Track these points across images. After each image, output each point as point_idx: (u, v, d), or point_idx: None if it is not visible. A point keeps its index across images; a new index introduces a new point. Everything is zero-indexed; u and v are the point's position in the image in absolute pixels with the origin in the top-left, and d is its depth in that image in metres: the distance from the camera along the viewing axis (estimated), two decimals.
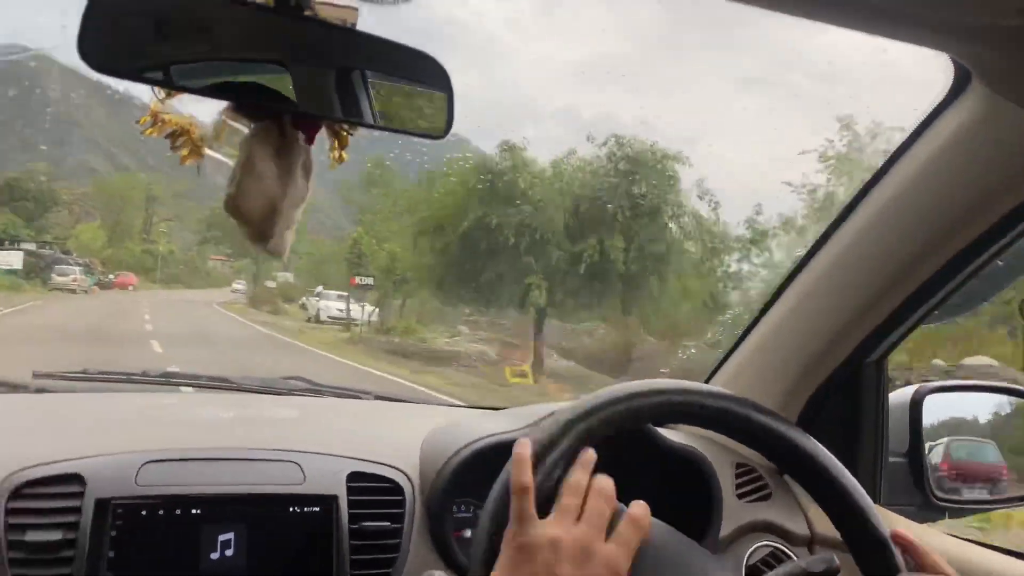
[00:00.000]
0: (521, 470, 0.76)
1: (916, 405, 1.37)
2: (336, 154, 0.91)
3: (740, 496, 1.31)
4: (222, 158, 0.89)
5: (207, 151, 0.87)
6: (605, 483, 0.77)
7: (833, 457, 0.88)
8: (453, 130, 0.88)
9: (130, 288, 30.63)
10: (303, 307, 25.09)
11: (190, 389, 1.53)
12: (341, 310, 21.36)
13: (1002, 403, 1.48)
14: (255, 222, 0.82)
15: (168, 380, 1.52)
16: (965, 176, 1.04)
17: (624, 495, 1.33)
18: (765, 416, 0.87)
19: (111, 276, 31.37)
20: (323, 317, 21.83)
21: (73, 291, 24.49)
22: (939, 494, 1.36)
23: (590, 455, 0.80)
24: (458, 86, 0.87)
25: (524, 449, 0.77)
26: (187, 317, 20.45)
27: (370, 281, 19.49)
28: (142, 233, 42.28)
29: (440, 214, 15.19)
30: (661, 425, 1.31)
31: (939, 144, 1.04)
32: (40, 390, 1.41)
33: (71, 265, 27.18)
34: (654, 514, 1.33)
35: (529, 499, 0.74)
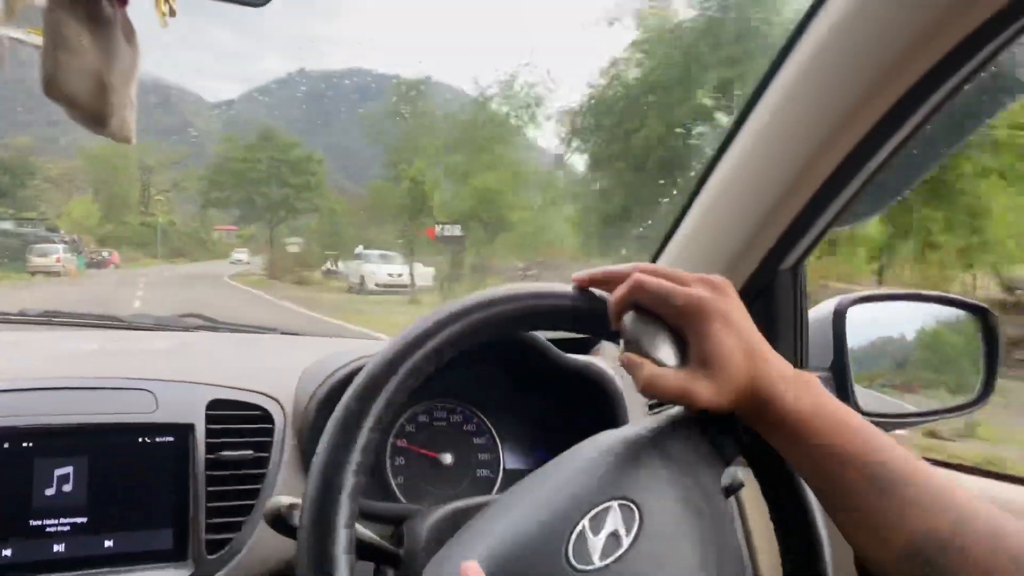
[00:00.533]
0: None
1: (839, 316, 1.30)
2: (164, 8, 0.78)
3: (652, 407, 1.24)
4: (24, 38, 0.78)
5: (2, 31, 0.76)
6: None
7: None
8: None
9: (111, 267, 27.12)
10: (328, 273, 21.26)
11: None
12: (397, 274, 17.05)
13: (930, 313, 1.40)
14: (85, 103, 0.72)
15: (48, 319, 1.42)
16: (854, 62, 0.95)
17: (521, 416, 1.27)
18: (518, 298, 0.71)
19: (105, 254, 28.56)
20: (370, 285, 17.28)
21: (58, 273, 20.92)
22: (864, 407, 1.29)
23: None
24: None
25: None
26: (190, 296, 16.40)
27: (457, 230, 15.33)
28: (139, 206, 39.73)
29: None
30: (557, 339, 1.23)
31: (825, 32, 0.96)
32: None
33: (54, 243, 23.04)
34: (553, 436, 1.28)
35: None
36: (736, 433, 0.72)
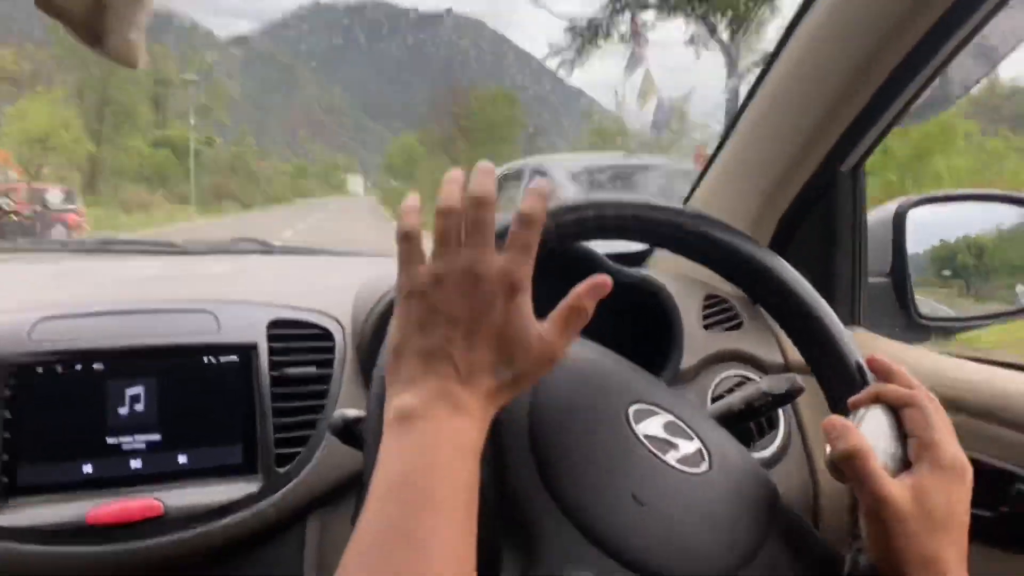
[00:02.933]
0: (407, 213, 0.62)
1: (899, 219, 1.26)
2: None
3: (707, 327, 1.23)
4: None
5: None
6: (483, 188, 0.60)
7: (801, 278, 0.75)
8: None
9: (75, 233, 15.56)
10: None
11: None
12: None
13: (996, 213, 1.36)
14: (78, 20, 0.70)
15: (104, 247, 1.44)
16: None
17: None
18: (720, 231, 0.75)
19: (52, 198, 16.62)
20: None
21: None
22: (924, 312, 1.27)
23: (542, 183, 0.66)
24: None
25: (414, 201, 0.63)
26: None
27: None
28: (152, 123, 28.03)
29: None
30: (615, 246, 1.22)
31: None
32: None
33: None
34: (611, 350, 1.28)
35: (415, 243, 0.61)
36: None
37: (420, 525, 0.49)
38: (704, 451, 0.70)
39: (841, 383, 0.72)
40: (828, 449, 0.64)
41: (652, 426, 0.68)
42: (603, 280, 0.63)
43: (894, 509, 0.60)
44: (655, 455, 0.67)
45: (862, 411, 0.67)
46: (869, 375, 0.71)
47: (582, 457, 0.65)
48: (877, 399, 0.67)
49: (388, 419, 0.55)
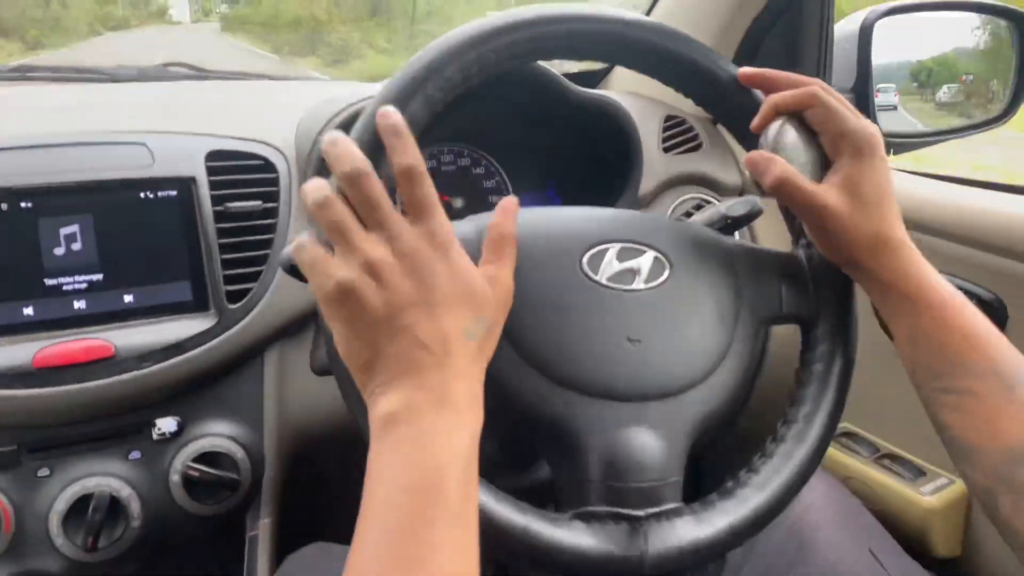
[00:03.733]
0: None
1: (865, 31, 1.21)
2: None
3: (667, 150, 1.20)
4: None
5: None
6: (349, 161, 0.54)
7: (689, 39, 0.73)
8: None
9: None
10: None
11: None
12: None
13: (964, 22, 1.31)
14: None
15: (22, 75, 1.33)
16: None
17: (532, 155, 1.23)
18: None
19: None
20: None
21: None
22: (885, 128, 1.24)
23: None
24: None
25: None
26: None
27: None
28: None
29: None
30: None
31: None
32: None
33: None
34: (564, 175, 1.25)
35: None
36: (806, 290, 0.71)
37: (427, 535, 0.47)
38: (661, 256, 0.68)
39: (740, 117, 0.72)
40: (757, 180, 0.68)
41: (609, 265, 0.66)
42: (509, 201, 0.62)
43: (832, 212, 0.65)
44: (621, 289, 0.65)
45: (771, 132, 0.68)
46: (758, 94, 0.72)
47: (554, 330, 0.63)
48: (777, 113, 0.68)
49: (374, 427, 0.51)
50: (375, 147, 0.56)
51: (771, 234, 1.19)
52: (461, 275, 0.55)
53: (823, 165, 0.68)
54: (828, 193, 0.65)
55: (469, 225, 0.66)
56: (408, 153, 0.54)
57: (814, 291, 0.72)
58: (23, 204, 0.86)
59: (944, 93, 1.36)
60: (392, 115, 0.55)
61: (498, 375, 0.60)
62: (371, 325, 0.52)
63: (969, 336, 0.62)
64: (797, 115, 0.68)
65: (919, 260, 0.65)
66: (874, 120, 1.22)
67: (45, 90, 1.23)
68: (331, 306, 0.53)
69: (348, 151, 0.54)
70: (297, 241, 0.55)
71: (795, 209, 0.68)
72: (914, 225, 1.07)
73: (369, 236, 0.53)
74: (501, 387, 0.61)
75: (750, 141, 0.72)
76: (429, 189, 0.55)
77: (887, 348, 0.75)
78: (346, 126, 0.94)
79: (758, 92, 0.72)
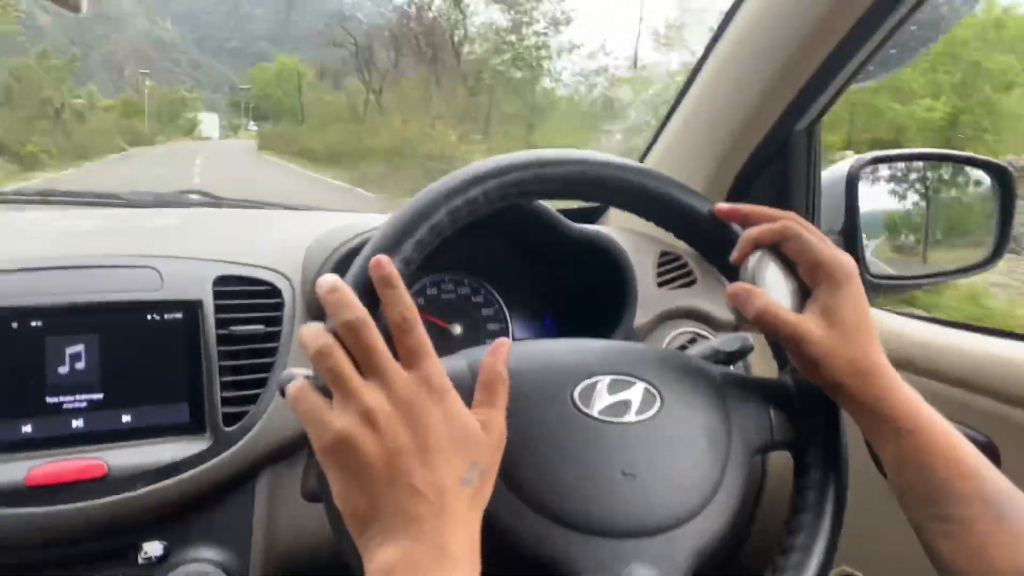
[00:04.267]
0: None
1: (852, 178, 1.27)
2: None
3: (661, 284, 1.24)
4: None
5: None
6: (348, 312, 0.56)
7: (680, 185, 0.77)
8: None
9: None
10: None
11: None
12: None
13: (946, 173, 1.37)
14: None
15: (44, 198, 1.39)
16: None
17: (530, 287, 1.26)
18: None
19: None
20: None
21: None
22: (874, 272, 1.28)
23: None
24: None
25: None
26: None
27: None
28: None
29: None
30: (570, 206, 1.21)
31: None
32: None
33: None
34: (561, 307, 1.28)
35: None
36: (795, 416, 0.73)
37: None
38: (651, 388, 0.69)
39: (720, 250, 0.75)
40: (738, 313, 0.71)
41: (599, 398, 0.67)
42: (502, 342, 0.64)
43: (813, 342, 0.67)
44: (614, 423, 0.66)
45: (750, 264, 0.71)
46: (735, 227, 0.75)
47: (549, 466, 0.64)
48: (755, 246, 0.71)
49: None
50: (370, 292, 0.59)
51: (764, 360, 1.21)
52: (456, 421, 0.56)
53: (802, 294, 0.71)
54: (808, 322, 0.67)
55: (463, 361, 0.67)
56: (401, 303, 0.57)
57: (803, 417, 0.73)
58: (33, 323, 0.89)
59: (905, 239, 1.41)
60: (385, 266, 0.58)
61: (494, 517, 0.60)
62: (368, 473, 0.53)
63: (955, 461, 0.62)
64: (774, 247, 0.71)
65: (900, 384, 0.67)
66: (863, 263, 1.27)
67: (66, 213, 1.29)
68: (328, 455, 0.54)
69: (346, 299, 0.56)
70: (293, 386, 0.57)
71: (777, 338, 0.69)
72: (905, 365, 1.08)
73: (366, 384, 0.55)
74: (497, 529, 0.61)
75: (731, 273, 0.75)
76: (422, 336, 0.57)
77: (881, 485, 0.75)
78: (353, 256, 0.97)
79: (736, 226, 0.75)
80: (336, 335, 0.56)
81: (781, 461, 1.16)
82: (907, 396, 0.66)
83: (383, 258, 0.58)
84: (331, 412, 0.54)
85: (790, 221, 0.70)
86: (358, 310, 0.56)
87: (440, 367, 0.58)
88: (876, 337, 0.68)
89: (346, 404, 0.54)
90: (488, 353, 0.63)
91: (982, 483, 0.61)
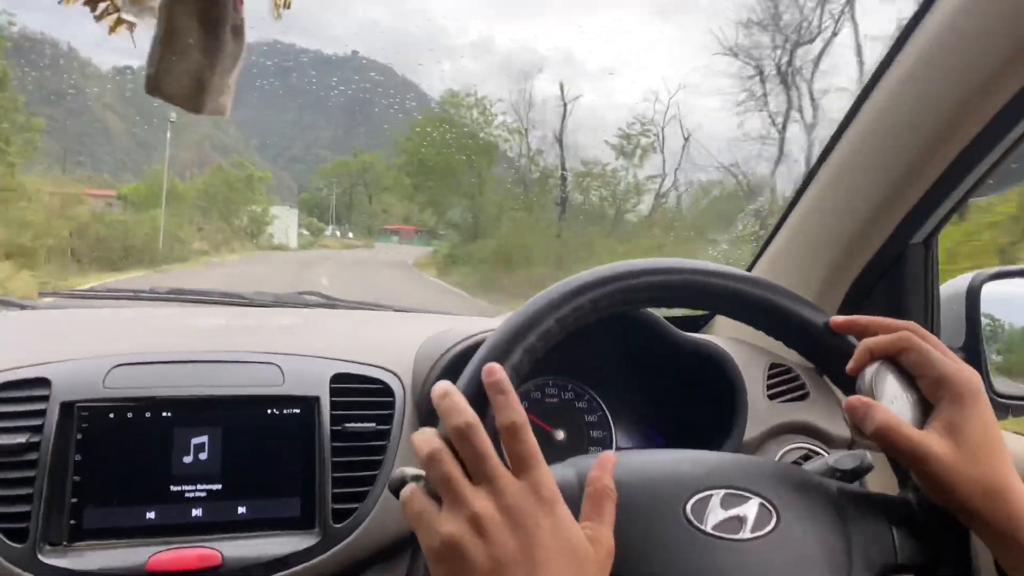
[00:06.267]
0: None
1: (973, 293, 1.23)
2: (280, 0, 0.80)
3: (772, 397, 1.21)
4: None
5: (131, 17, 0.78)
6: (459, 417, 0.58)
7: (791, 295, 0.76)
8: None
9: None
10: None
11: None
12: None
13: None
14: (182, 100, 0.74)
15: (176, 296, 1.48)
16: (995, 25, 0.89)
17: (634, 394, 1.25)
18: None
19: None
20: None
21: None
22: (1000, 390, 1.22)
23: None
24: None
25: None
26: None
27: None
28: None
29: None
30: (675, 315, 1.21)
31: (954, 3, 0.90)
32: (50, 308, 1.39)
33: None
34: (667, 416, 1.26)
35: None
36: (920, 536, 0.68)
37: None
38: (767, 504, 0.67)
39: (835, 362, 0.73)
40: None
41: (713, 513, 0.66)
42: (608, 456, 0.64)
43: (937, 459, 0.63)
44: (728, 539, 0.64)
45: (867, 376, 0.68)
46: (851, 339, 0.72)
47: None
48: (872, 357, 0.68)
49: None
50: (481, 398, 0.60)
51: (883, 477, 1.15)
52: (564, 534, 0.56)
53: (924, 409, 0.67)
54: (931, 439, 0.63)
55: (571, 471, 0.67)
56: (511, 409, 0.58)
57: (929, 537, 0.68)
58: (164, 413, 0.94)
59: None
60: (496, 372, 0.59)
61: None
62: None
63: None
64: (893, 359, 0.68)
65: None
66: (987, 381, 1.21)
67: (194, 311, 1.37)
68: (437, 560, 0.55)
69: (458, 405, 0.58)
70: (406, 490, 0.59)
71: (898, 455, 0.66)
72: None
73: (476, 490, 0.56)
74: None
75: (846, 386, 0.72)
76: (532, 443, 0.58)
77: None
78: (462, 358, 1.00)
79: (852, 338, 0.72)
80: (447, 440, 0.58)
81: None
82: None
83: (494, 365, 0.60)
84: (441, 517, 0.55)
85: (910, 332, 0.68)
86: (469, 415, 0.57)
87: (550, 476, 0.58)
88: (1008, 456, 0.64)
89: (455, 510, 0.55)
90: (595, 467, 0.63)
91: None
